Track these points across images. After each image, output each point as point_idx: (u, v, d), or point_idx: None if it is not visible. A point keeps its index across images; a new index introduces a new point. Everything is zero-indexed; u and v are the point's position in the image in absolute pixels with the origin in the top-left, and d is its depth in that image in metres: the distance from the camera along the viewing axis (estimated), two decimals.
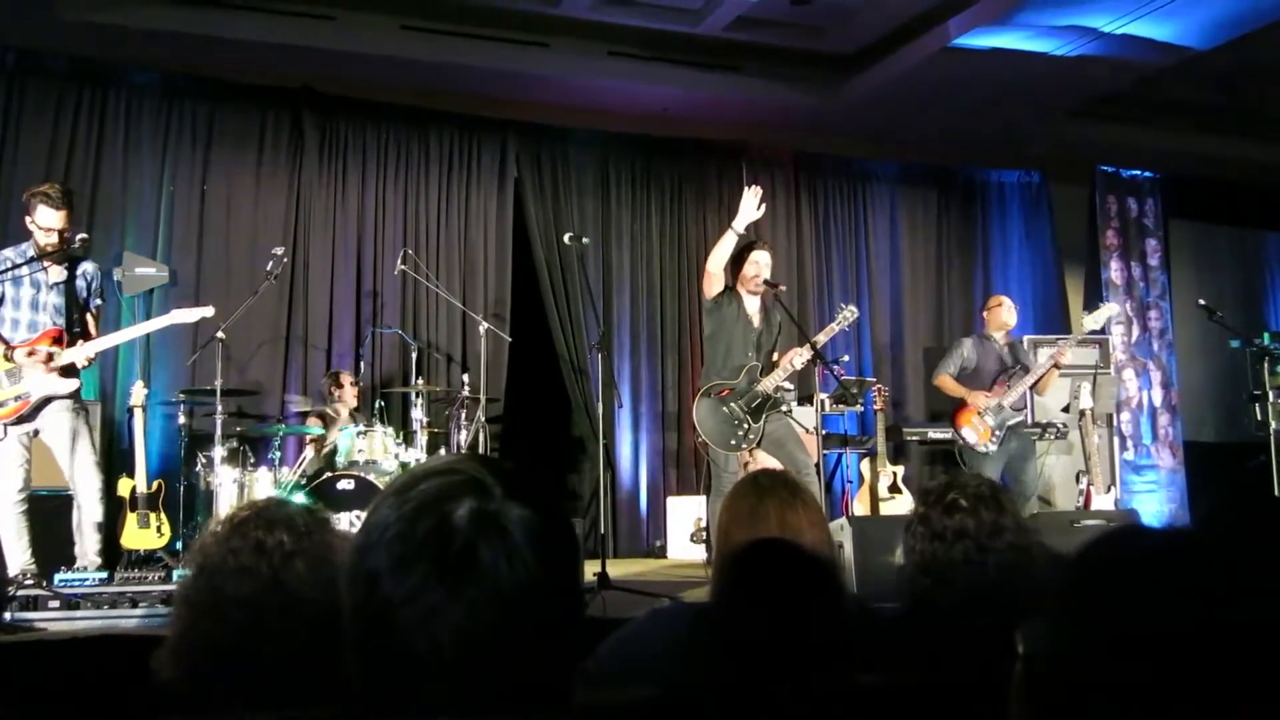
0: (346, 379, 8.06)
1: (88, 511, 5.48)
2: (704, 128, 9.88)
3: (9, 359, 5.30)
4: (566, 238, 7.07)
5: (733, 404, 6.36)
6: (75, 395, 5.52)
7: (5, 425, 5.34)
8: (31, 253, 5.40)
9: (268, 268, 7.08)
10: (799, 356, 6.37)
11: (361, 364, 8.58)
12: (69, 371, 5.48)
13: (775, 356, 6.57)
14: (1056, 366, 7.25)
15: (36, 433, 5.46)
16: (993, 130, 10.04)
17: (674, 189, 9.91)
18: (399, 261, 8.44)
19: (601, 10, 8.24)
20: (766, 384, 6.36)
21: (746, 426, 6.31)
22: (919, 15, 8.32)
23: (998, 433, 7.13)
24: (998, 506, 2.38)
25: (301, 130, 8.75)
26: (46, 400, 5.41)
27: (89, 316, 5.71)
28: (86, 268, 5.67)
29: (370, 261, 8.84)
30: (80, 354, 5.47)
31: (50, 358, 5.35)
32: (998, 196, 11.03)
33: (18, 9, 7.51)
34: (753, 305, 6.53)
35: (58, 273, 5.50)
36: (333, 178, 8.81)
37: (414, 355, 8.24)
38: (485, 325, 8.10)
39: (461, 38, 8.39)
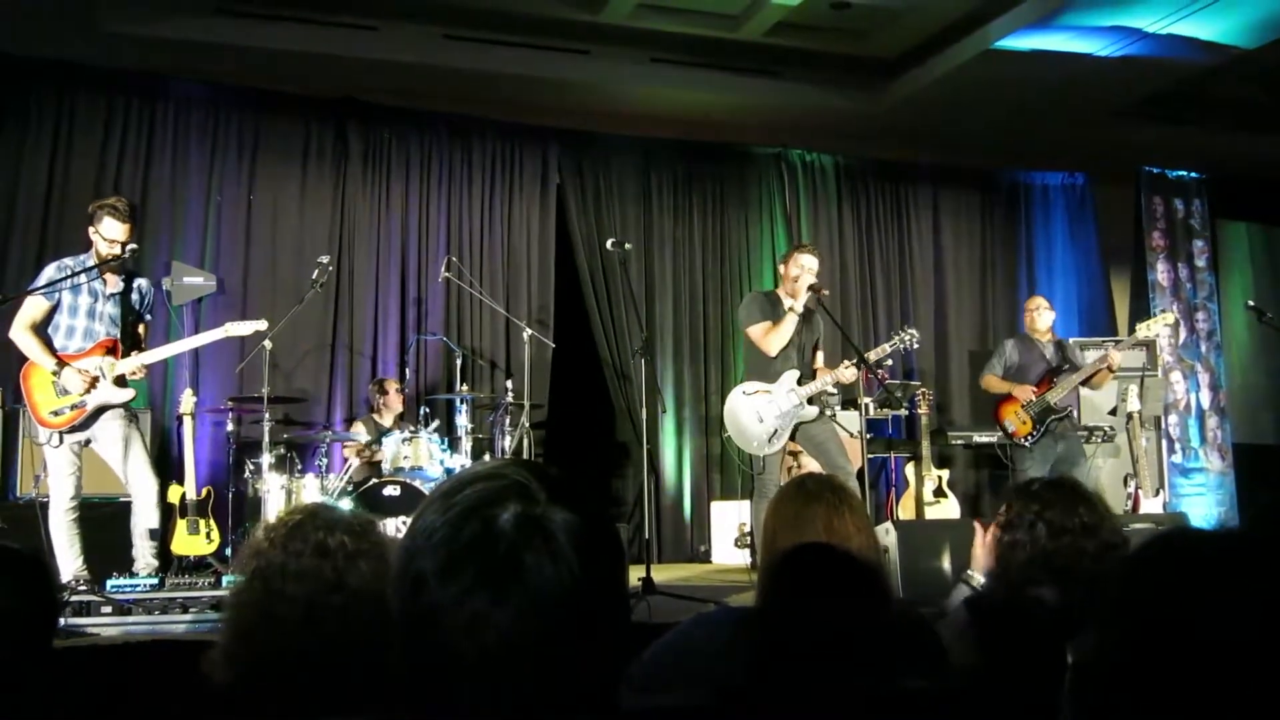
0: (392, 386, 8.11)
1: (145, 516, 5.53)
2: (745, 133, 9.88)
3: (58, 374, 5.36)
4: (609, 243, 7.03)
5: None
6: (126, 405, 5.58)
7: (60, 434, 5.42)
8: (90, 262, 5.48)
9: (313, 276, 7.11)
10: (845, 375, 6.27)
11: (406, 371, 8.64)
12: (123, 381, 5.55)
13: (818, 362, 6.51)
14: (1109, 370, 7.12)
15: (88, 442, 5.52)
16: (1036, 132, 9.96)
17: (715, 194, 9.91)
18: (443, 268, 8.48)
19: (643, 17, 8.25)
20: (802, 394, 6.26)
21: (775, 430, 6.24)
22: (961, 18, 8.27)
23: (1038, 427, 7.06)
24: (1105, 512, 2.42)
25: (345, 140, 8.83)
26: (100, 410, 5.48)
27: (140, 328, 5.78)
28: (141, 283, 5.76)
29: (414, 269, 8.90)
30: (133, 364, 5.54)
31: (95, 382, 5.41)
32: (1041, 199, 10.94)
33: (64, 24, 7.63)
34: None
35: (114, 283, 5.57)
36: (376, 186, 8.88)
37: (458, 362, 8.27)
38: (529, 331, 8.12)
39: (503, 46, 8.44)
